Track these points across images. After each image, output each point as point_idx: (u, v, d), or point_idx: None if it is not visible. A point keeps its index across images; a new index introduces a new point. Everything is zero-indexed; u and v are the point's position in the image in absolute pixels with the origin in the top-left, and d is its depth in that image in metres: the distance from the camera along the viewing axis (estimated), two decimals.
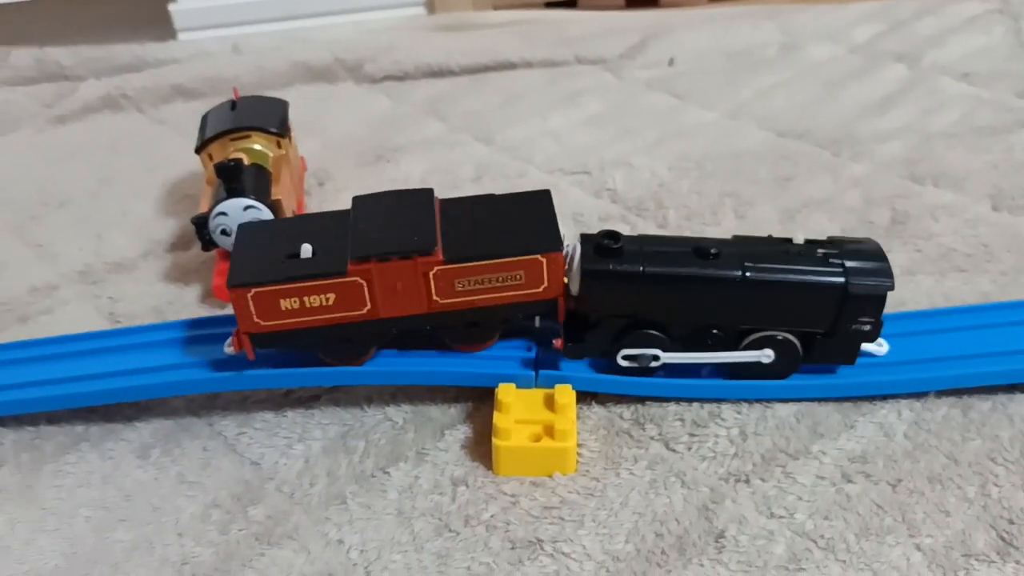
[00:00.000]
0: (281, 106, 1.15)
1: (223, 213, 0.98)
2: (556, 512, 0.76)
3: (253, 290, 0.78)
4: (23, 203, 1.27)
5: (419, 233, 0.79)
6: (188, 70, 1.57)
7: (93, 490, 0.82)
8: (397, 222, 0.81)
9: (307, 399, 0.89)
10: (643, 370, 0.83)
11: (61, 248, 1.16)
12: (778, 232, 1.06)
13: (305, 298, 0.78)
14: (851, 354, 0.83)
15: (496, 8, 1.74)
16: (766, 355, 0.82)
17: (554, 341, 0.83)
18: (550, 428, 0.79)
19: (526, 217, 0.82)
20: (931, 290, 0.97)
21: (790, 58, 1.50)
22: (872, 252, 0.80)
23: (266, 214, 0.98)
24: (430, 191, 0.85)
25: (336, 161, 1.30)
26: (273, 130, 1.09)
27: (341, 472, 0.81)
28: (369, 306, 0.79)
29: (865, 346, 0.83)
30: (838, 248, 0.80)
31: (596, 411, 0.85)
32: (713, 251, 0.79)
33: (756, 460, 0.79)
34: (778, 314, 0.80)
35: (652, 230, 1.09)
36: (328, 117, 1.43)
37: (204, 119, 1.15)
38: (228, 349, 0.82)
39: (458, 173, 1.24)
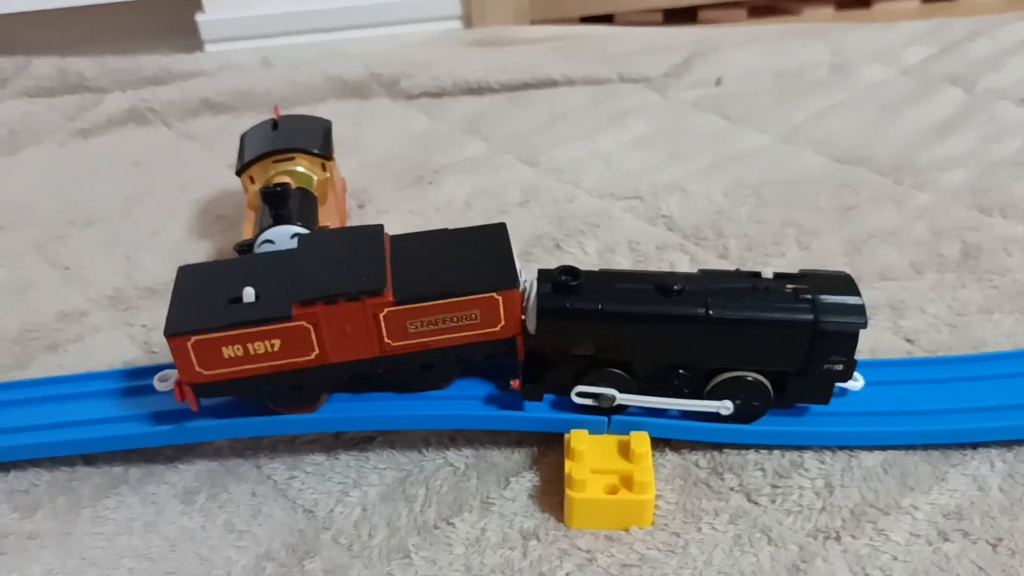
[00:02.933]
0: (324, 126, 1.11)
1: (270, 241, 0.93)
2: (636, 571, 0.71)
3: (192, 338, 0.73)
4: (47, 222, 1.22)
5: (368, 273, 0.75)
6: (217, 83, 1.52)
7: (135, 538, 0.77)
8: (345, 261, 0.77)
9: (360, 441, 0.84)
10: (605, 410, 0.79)
11: (89, 271, 1.11)
12: (842, 265, 1.02)
13: (249, 345, 0.74)
14: (825, 394, 0.78)
15: (533, 23, 1.69)
16: (725, 407, 0.78)
17: (511, 382, 0.79)
18: (627, 479, 0.74)
19: (481, 253, 0.78)
20: (1012, 329, 0.92)
21: (842, 79, 1.45)
22: (844, 287, 0.76)
23: None
24: (380, 227, 0.81)
25: (375, 182, 1.25)
26: (317, 152, 1.04)
27: (402, 522, 0.76)
28: (317, 351, 0.75)
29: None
30: (809, 283, 0.76)
31: (670, 459, 0.80)
32: (676, 287, 0.75)
33: (845, 515, 0.74)
34: (745, 353, 0.77)
35: (713, 260, 1.04)
36: (364, 135, 1.38)
37: (243, 139, 1.10)
38: (159, 385, 0.79)
39: (505, 197, 1.19)
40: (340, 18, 1.64)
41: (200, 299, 0.76)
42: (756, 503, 0.76)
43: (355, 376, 0.79)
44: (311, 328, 0.74)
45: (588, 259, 1.05)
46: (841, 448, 0.80)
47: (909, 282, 0.99)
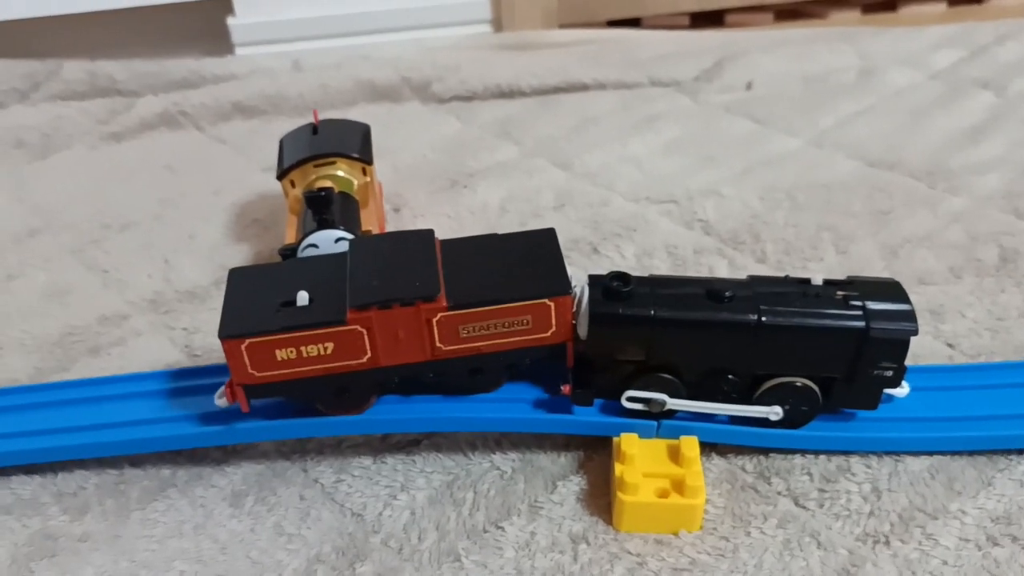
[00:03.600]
0: (363, 130, 1.11)
1: (313, 245, 0.93)
2: (687, 575, 0.71)
3: (247, 341, 0.74)
4: (83, 225, 1.23)
5: (421, 278, 0.75)
6: (248, 87, 1.52)
7: (186, 541, 0.77)
8: (397, 266, 0.77)
9: (406, 444, 0.85)
10: (655, 414, 0.79)
11: (127, 274, 1.11)
12: (881, 271, 1.02)
13: (302, 348, 0.75)
14: (873, 400, 0.79)
15: (562, 27, 1.69)
16: (774, 412, 0.78)
17: (562, 386, 0.79)
18: (679, 483, 0.74)
19: (532, 258, 0.78)
20: None
21: (870, 84, 1.45)
22: (894, 293, 0.76)
23: None
24: (430, 232, 0.81)
25: (409, 186, 1.26)
26: (357, 156, 1.05)
27: (451, 526, 0.77)
28: (369, 354, 0.76)
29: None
30: (858, 289, 0.76)
31: (717, 463, 0.81)
32: (727, 294, 0.75)
33: (893, 519, 0.75)
34: (796, 359, 0.77)
35: (751, 264, 1.04)
36: (396, 138, 1.38)
37: (282, 143, 1.10)
38: (219, 401, 0.78)
39: (538, 201, 1.19)
40: (369, 22, 1.65)
41: (252, 302, 0.77)
42: (804, 507, 0.76)
43: (404, 379, 0.80)
44: (365, 332, 0.74)
45: (626, 263, 1.05)
46: (887, 453, 0.80)
47: (948, 287, 1.00)
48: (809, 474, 0.79)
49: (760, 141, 1.32)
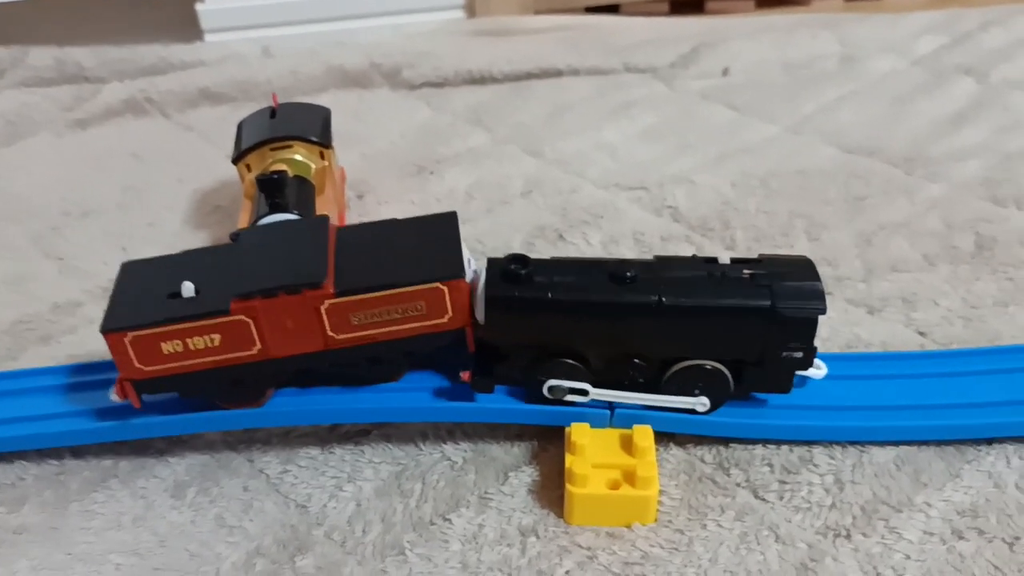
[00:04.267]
0: (323, 114, 1.08)
1: None
2: (639, 569, 0.69)
3: (130, 334, 0.72)
4: (43, 213, 1.20)
5: (309, 265, 0.73)
6: (217, 73, 1.49)
7: (124, 533, 0.75)
8: (286, 254, 0.75)
9: (355, 434, 0.82)
10: (558, 401, 0.77)
11: (85, 262, 1.09)
12: (853, 259, 0.99)
13: (188, 340, 0.72)
14: (785, 383, 0.76)
15: (538, 13, 1.66)
16: (701, 403, 0.75)
17: (461, 373, 0.76)
18: (630, 474, 0.72)
19: (429, 242, 0.76)
20: None
21: (851, 70, 1.42)
22: (804, 271, 0.73)
23: None
24: (325, 218, 0.79)
25: (376, 173, 1.23)
26: (315, 139, 1.02)
27: (397, 518, 0.74)
28: (259, 346, 0.73)
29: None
30: (767, 268, 0.73)
31: (675, 453, 0.78)
32: (629, 275, 0.72)
33: (856, 512, 0.72)
34: (702, 342, 0.74)
35: (719, 251, 1.01)
36: (365, 125, 1.36)
37: (240, 127, 1.08)
38: (112, 396, 0.76)
39: (507, 188, 1.17)
40: (342, 8, 1.61)
41: (140, 294, 0.75)
42: (764, 499, 0.73)
43: (302, 371, 0.78)
44: (251, 322, 0.72)
45: (592, 250, 1.03)
46: (852, 443, 0.77)
47: (922, 274, 0.97)
48: (770, 465, 0.76)
49: (737, 128, 1.29)
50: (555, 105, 1.39)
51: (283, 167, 0.98)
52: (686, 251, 1.01)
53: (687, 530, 0.71)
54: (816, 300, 0.71)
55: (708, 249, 1.02)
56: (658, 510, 0.73)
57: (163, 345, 0.72)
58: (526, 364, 0.76)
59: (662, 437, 0.78)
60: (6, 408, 0.84)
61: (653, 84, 1.43)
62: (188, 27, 1.63)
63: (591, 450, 0.73)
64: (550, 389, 0.75)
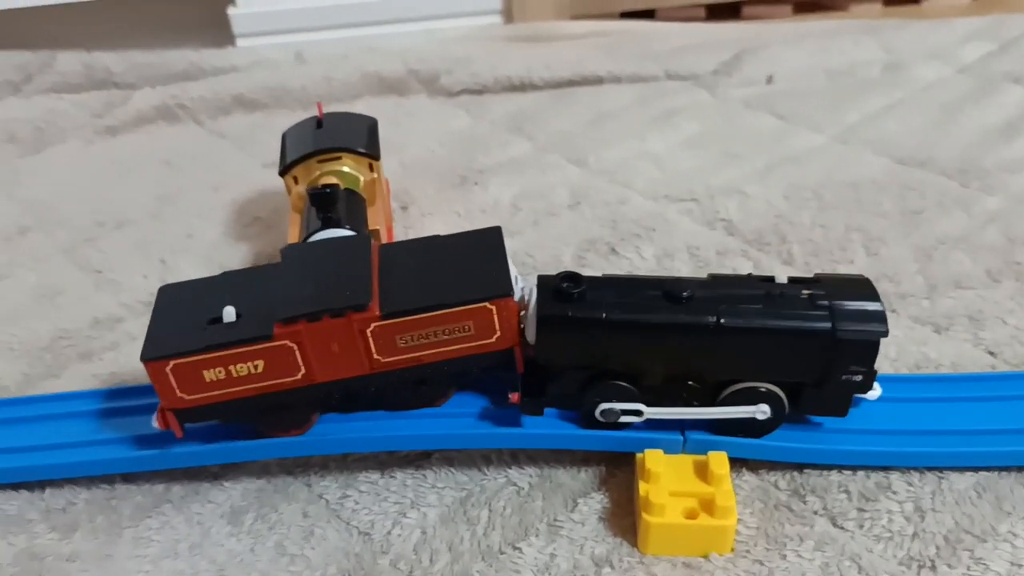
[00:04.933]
0: (369, 124, 1.06)
1: None
2: None
3: (171, 363, 0.70)
4: (76, 223, 1.18)
5: (353, 286, 0.71)
6: (249, 79, 1.47)
7: (181, 561, 0.72)
8: (329, 275, 0.73)
9: (416, 458, 0.80)
10: (614, 425, 0.74)
11: (122, 275, 1.07)
12: (914, 274, 0.96)
13: (231, 367, 0.70)
14: (842, 407, 0.74)
15: (574, 18, 1.64)
16: (761, 411, 0.73)
17: (510, 395, 0.73)
18: (708, 503, 0.69)
19: (474, 260, 0.74)
20: None
21: (896, 78, 1.40)
22: (863, 292, 0.71)
23: None
24: (367, 237, 0.77)
25: (417, 183, 1.20)
26: (365, 151, 1.00)
27: (464, 547, 0.72)
28: (304, 371, 0.71)
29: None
30: (825, 288, 0.71)
31: (748, 480, 0.76)
32: (685, 295, 0.70)
33: (939, 542, 0.69)
34: (759, 364, 0.72)
35: (777, 266, 0.99)
36: (404, 133, 1.33)
37: (285, 137, 1.06)
38: (155, 425, 0.74)
39: (553, 198, 1.14)
40: (375, 12, 1.59)
41: (180, 320, 0.73)
42: (842, 528, 0.71)
43: (345, 395, 0.75)
44: (295, 347, 0.70)
45: (646, 264, 1.00)
46: (929, 469, 0.75)
47: (986, 291, 0.94)
48: (847, 492, 0.74)
49: (783, 137, 1.26)
50: (596, 113, 1.36)
51: (333, 180, 0.95)
52: (743, 266, 0.99)
53: (766, 561, 0.69)
54: (877, 323, 0.69)
55: (765, 264, 0.99)
56: (735, 540, 0.71)
57: (205, 373, 0.70)
58: (577, 386, 0.74)
59: (734, 463, 0.75)
60: (52, 433, 0.82)
61: (695, 92, 1.40)
62: (219, 32, 1.61)
63: (666, 478, 0.71)
64: (603, 412, 0.73)
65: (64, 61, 1.55)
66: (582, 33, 1.59)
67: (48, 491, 0.79)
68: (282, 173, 1.00)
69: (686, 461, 0.73)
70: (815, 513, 0.72)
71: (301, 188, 0.98)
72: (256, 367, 0.70)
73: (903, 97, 1.34)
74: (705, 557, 0.70)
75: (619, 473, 0.77)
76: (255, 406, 0.73)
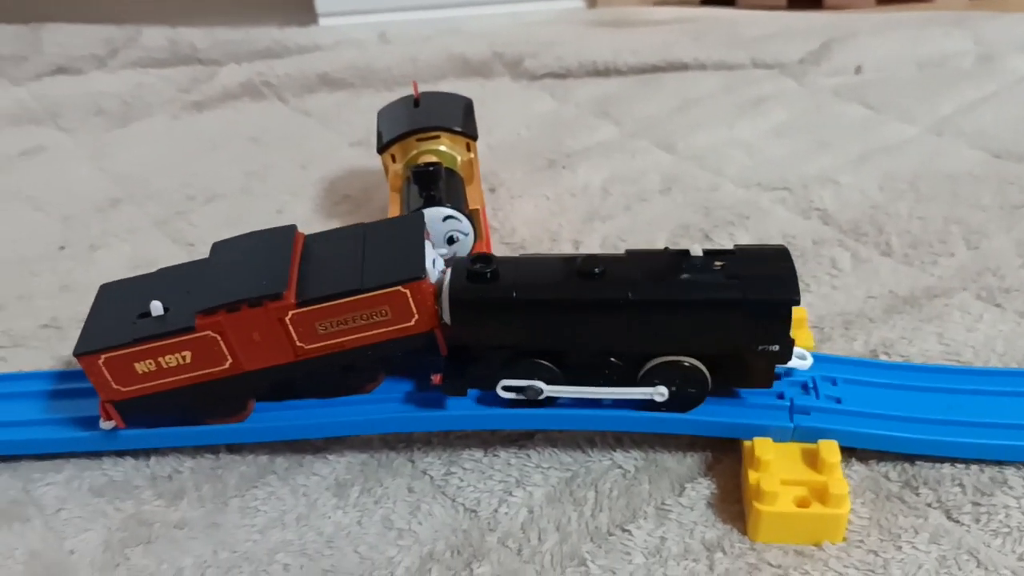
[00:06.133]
0: (465, 104, 1.06)
1: None
2: None
3: (103, 356, 0.72)
4: (165, 196, 1.19)
5: (270, 276, 0.72)
6: (335, 58, 1.48)
7: (288, 532, 0.73)
8: (250, 266, 0.74)
9: (519, 437, 0.79)
10: (531, 402, 0.74)
11: None
12: (1018, 268, 0.95)
13: (160, 359, 0.72)
14: (766, 378, 0.73)
15: (657, 4, 1.63)
16: (659, 392, 0.72)
17: (432, 376, 0.74)
18: (820, 491, 0.68)
19: (392, 246, 0.74)
20: None
21: (989, 70, 1.37)
22: (777, 261, 0.70)
23: (465, 226, 0.89)
24: (292, 227, 0.78)
25: (505, 165, 1.20)
26: (463, 130, 1.00)
27: (572, 527, 0.71)
28: (231, 360, 0.72)
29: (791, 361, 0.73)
30: (740, 259, 0.70)
31: (857, 470, 0.75)
32: (597, 270, 0.69)
33: None
34: (675, 338, 0.71)
35: (875, 257, 0.97)
36: (489, 116, 1.32)
37: (380, 116, 1.06)
38: (103, 424, 0.76)
39: (644, 184, 1.14)
40: None
41: (113, 316, 0.75)
42: (958, 522, 0.70)
43: (276, 383, 0.76)
44: (218, 337, 0.71)
45: None
46: None
47: None
48: (960, 485, 0.72)
49: (875, 127, 1.25)
50: (683, 99, 1.35)
51: (433, 158, 0.95)
52: (841, 256, 0.98)
53: (881, 551, 0.68)
54: (786, 289, 0.68)
55: (863, 254, 0.98)
56: (846, 529, 0.70)
57: (136, 365, 0.72)
58: (499, 366, 0.74)
59: (842, 453, 0.74)
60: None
61: (782, 80, 1.39)
62: (302, 10, 1.62)
63: (776, 465, 0.70)
64: (504, 388, 0.74)
65: (149, 36, 1.57)
66: (666, 19, 1.58)
67: (153, 459, 0.80)
68: (380, 151, 1.01)
69: (794, 449, 0.72)
70: (928, 505, 0.71)
71: (399, 167, 0.98)
72: (184, 358, 0.72)
73: (997, 89, 1.32)
74: (817, 546, 0.69)
75: (724, 459, 0.76)
76: (190, 396, 0.74)
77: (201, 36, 1.56)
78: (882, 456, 0.75)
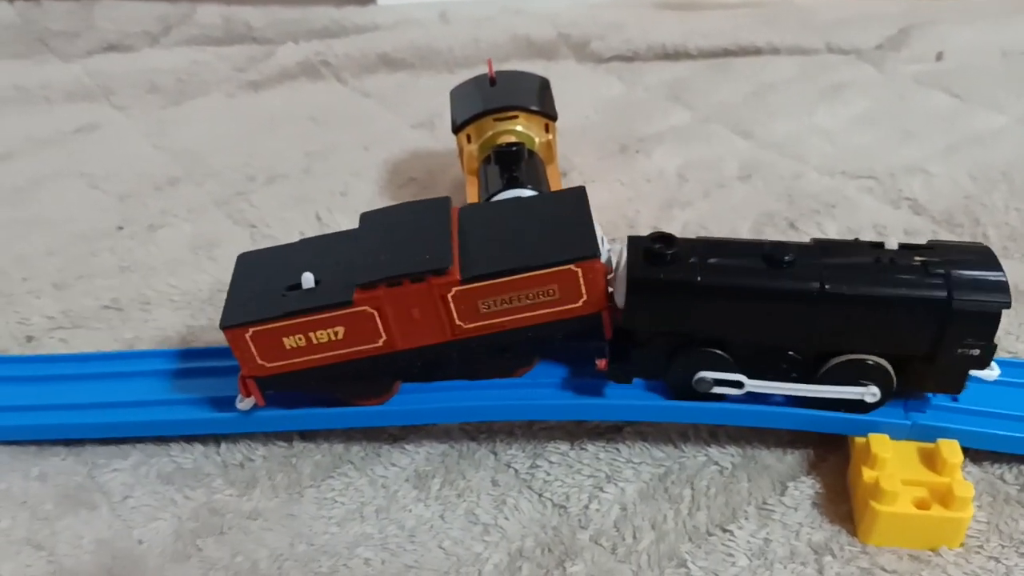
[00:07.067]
0: (542, 83, 1.02)
1: None
2: None
3: (251, 329, 0.68)
4: (225, 175, 1.16)
5: (432, 250, 0.67)
6: (395, 38, 1.44)
7: (368, 525, 0.69)
8: (408, 239, 0.69)
9: (606, 430, 0.76)
10: (700, 396, 0.70)
11: (278, 230, 1.04)
12: None
13: (311, 334, 0.68)
14: (957, 383, 0.67)
15: None
16: (871, 393, 0.67)
17: (597, 361, 0.70)
18: (941, 493, 0.64)
19: (558, 221, 0.70)
20: None
21: None
22: (983, 260, 0.65)
23: None
24: (446, 199, 0.73)
25: (576, 149, 1.16)
26: (539, 110, 0.96)
27: (669, 526, 0.68)
28: (384, 337, 0.68)
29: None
30: (940, 255, 0.65)
31: (971, 471, 0.70)
32: (787, 258, 0.65)
33: None
34: (865, 335, 0.66)
35: None
36: (556, 98, 1.28)
37: (453, 95, 1.02)
38: (240, 403, 0.73)
39: (722, 170, 1.09)
40: None
41: (259, 288, 0.71)
42: None
43: (427, 363, 0.72)
44: (375, 313, 0.67)
45: None
46: None
47: None
48: None
49: (961, 116, 1.20)
50: (758, 84, 1.31)
51: (511, 138, 0.91)
52: None
53: (1003, 558, 0.64)
54: (998, 292, 0.63)
55: None
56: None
57: (285, 340, 0.69)
58: (668, 354, 0.69)
59: None
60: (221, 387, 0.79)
61: (860, 66, 1.34)
62: None
63: (892, 464, 0.66)
64: (697, 382, 0.69)
65: (204, 14, 1.54)
66: (736, 2, 1.53)
67: (224, 446, 0.77)
68: (456, 131, 0.97)
69: (911, 448, 0.68)
70: None
71: (474, 147, 0.94)
72: (336, 334, 0.69)
73: None
74: (934, 550, 0.65)
75: (829, 457, 0.72)
76: (337, 374, 0.71)
77: (256, 14, 1.53)
78: (997, 457, 0.71)
